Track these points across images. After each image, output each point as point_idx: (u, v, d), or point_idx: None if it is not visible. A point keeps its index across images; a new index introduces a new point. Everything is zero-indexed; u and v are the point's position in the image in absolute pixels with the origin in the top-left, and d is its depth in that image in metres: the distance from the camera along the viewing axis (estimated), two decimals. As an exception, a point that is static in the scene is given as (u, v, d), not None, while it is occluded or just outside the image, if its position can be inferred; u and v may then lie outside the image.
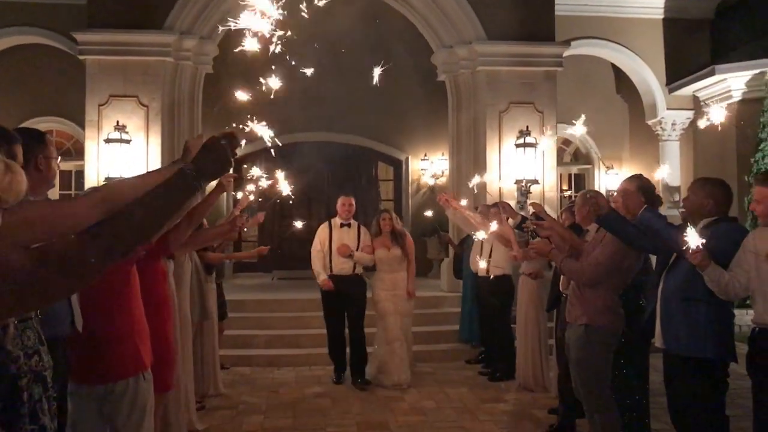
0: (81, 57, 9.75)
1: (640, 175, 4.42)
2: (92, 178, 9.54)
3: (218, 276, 6.78)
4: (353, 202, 7.33)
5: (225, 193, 6.80)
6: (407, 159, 13.97)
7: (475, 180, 7.09)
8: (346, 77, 12.63)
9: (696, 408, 3.60)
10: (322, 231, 7.32)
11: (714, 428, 3.58)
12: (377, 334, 7.21)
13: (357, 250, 7.13)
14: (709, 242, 3.40)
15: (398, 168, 14.14)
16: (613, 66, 13.77)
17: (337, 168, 13.37)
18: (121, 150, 9.43)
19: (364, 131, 13.55)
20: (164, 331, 3.90)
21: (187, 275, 5.39)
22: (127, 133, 9.46)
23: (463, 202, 7.07)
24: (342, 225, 7.26)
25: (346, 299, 7.14)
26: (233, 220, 4.73)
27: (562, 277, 4.66)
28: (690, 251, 3.23)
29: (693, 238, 3.04)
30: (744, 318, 9.72)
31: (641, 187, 4.10)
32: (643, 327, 3.98)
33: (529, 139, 9.84)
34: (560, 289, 5.19)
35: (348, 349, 7.30)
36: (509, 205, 6.30)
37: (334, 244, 7.14)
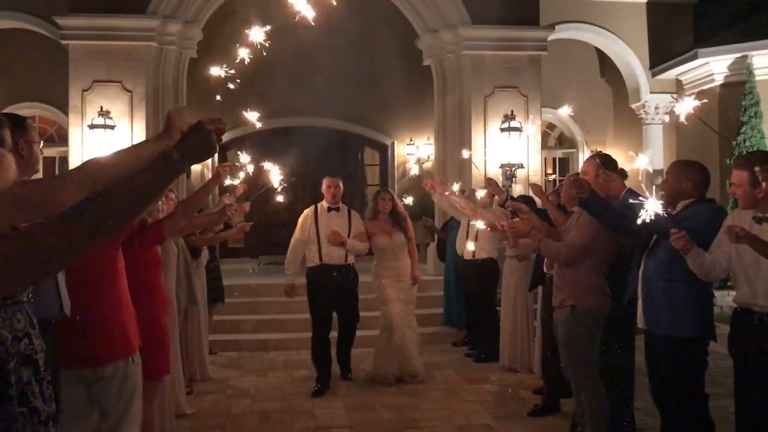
0: (63, 42, 9.67)
1: (597, 154, 4.51)
2: (76, 165, 9.48)
3: (194, 257, 6.66)
4: (340, 184, 6.54)
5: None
6: (393, 144, 13.99)
7: (465, 153, 7.39)
8: (332, 62, 12.63)
9: (677, 386, 3.68)
10: (307, 217, 6.49)
11: (694, 405, 3.67)
12: (380, 322, 6.64)
13: (348, 237, 6.37)
14: (689, 223, 3.48)
15: (384, 153, 14.17)
16: (597, 50, 13.83)
17: (323, 153, 13.37)
18: (105, 136, 9.39)
19: (349, 116, 13.55)
20: (157, 318, 3.92)
21: (172, 260, 5.40)
22: (111, 118, 9.42)
23: (455, 187, 7.11)
24: (330, 209, 6.48)
25: (336, 292, 6.34)
26: (223, 209, 4.75)
27: (546, 258, 4.73)
28: (673, 236, 3.29)
29: (653, 207, 3.05)
30: (725, 299, 9.90)
31: (600, 166, 4.17)
32: (624, 308, 4.05)
33: (513, 124, 9.90)
34: (544, 270, 5.27)
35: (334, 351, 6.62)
36: (496, 182, 6.48)
37: (322, 230, 6.36)
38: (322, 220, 6.41)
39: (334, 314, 6.55)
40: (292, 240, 6.51)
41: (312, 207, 6.57)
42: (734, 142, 11.12)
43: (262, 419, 5.53)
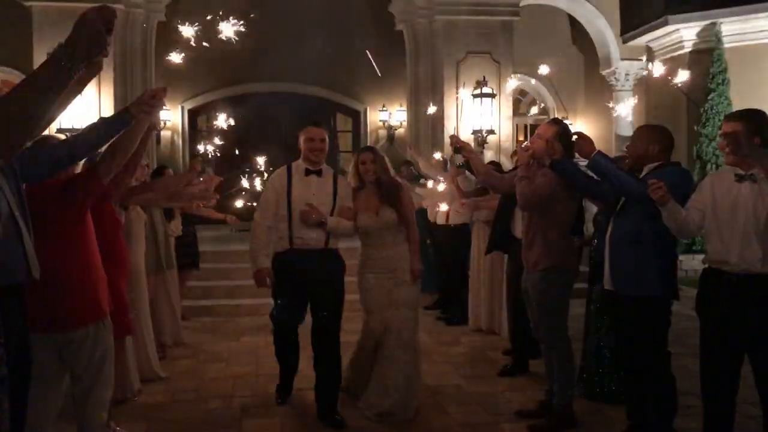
0: (26, 3, 9.41)
1: (560, 120, 4.56)
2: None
3: (168, 217, 6.60)
4: (326, 137, 4.66)
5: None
6: (366, 110, 13.94)
7: (431, 109, 7.23)
8: (302, 28, 12.48)
9: (641, 344, 3.79)
10: (276, 182, 4.65)
11: (657, 362, 3.79)
12: (362, 335, 4.89)
13: (332, 213, 4.57)
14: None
15: (357, 119, 14.12)
16: (569, 17, 13.85)
17: (295, 119, 13.23)
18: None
19: (321, 82, 13.43)
20: (115, 277, 3.86)
21: (137, 227, 5.36)
22: (77, 83, 9.22)
23: (437, 155, 7.15)
24: (308, 172, 4.61)
25: (312, 287, 4.55)
26: (192, 168, 4.70)
27: (519, 224, 4.75)
28: (651, 185, 3.33)
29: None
30: (691, 263, 10.14)
31: (562, 133, 4.22)
32: (591, 272, 4.14)
33: (486, 89, 9.91)
34: (514, 234, 5.35)
35: (314, 372, 4.73)
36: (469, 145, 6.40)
37: (295, 201, 4.52)
38: (297, 187, 4.58)
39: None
40: (255, 220, 4.64)
41: (284, 168, 4.70)
42: (702, 109, 11.27)
43: (235, 382, 5.57)
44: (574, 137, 3.85)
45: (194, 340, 6.99)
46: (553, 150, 3.96)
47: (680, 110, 11.91)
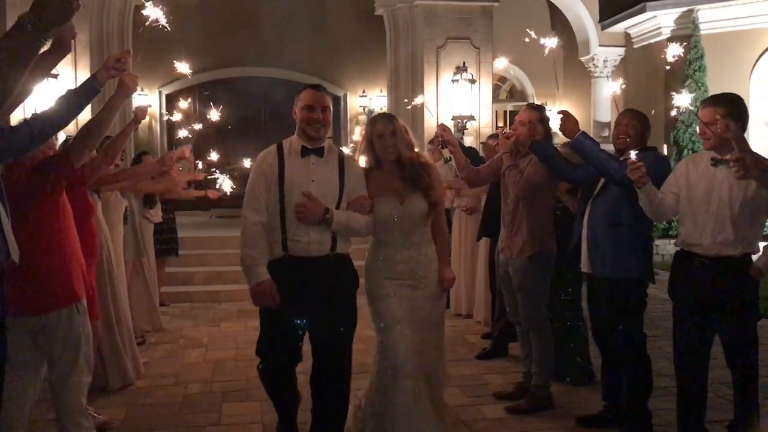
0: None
1: (539, 105, 4.57)
2: (18, 114, 9.16)
3: (148, 205, 6.58)
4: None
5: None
6: (345, 95, 13.92)
7: (419, 99, 7.15)
8: (282, 12, 12.39)
9: (618, 326, 3.85)
10: (264, 166, 3.44)
11: (634, 344, 3.85)
12: (374, 364, 3.69)
13: (338, 205, 3.43)
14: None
15: (337, 104, 14.06)
16: (548, 3, 13.89)
17: (274, 104, 13.20)
18: (48, 85, 9.05)
19: (301, 67, 13.37)
20: (87, 265, 3.82)
21: (116, 214, 5.33)
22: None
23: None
24: (306, 152, 3.45)
25: (313, 311, 3.41)
26: (162, 158, 4.67)
27: (505, 210, 4.70)
28: (631, 166, 3.36)
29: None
30: (666, 247, 10.28)
31: (542, 118, 4.25)
32: (569, 254, 4.18)
33: (465, 75, 9.92)
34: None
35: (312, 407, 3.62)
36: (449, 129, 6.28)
37: (289, 192, 3.37)
38: (292, 171, 3.41)
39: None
40: (244, 216, 3.40)
41: (273, 147, 3.53)
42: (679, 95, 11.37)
43: (215, 367, 5.58)
44: (560, 116, 3.84)
45: (174, 326, 6.97)
46: (535, 131, 3.99)
47: (658, 96, 12.02)
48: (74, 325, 3.19)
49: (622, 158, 3.79)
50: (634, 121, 3.93)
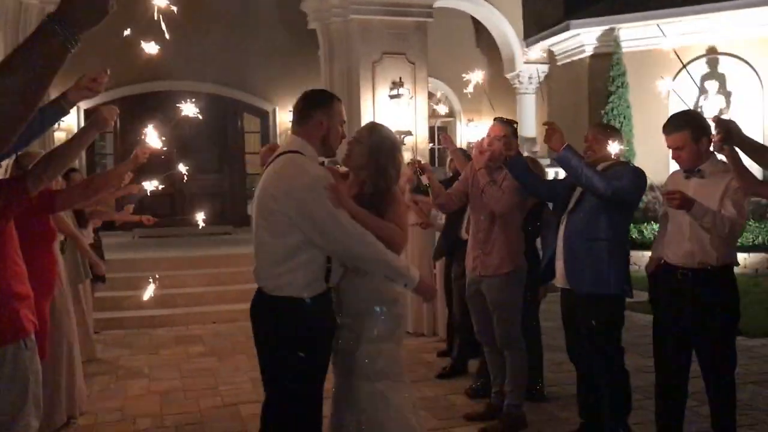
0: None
1: (506, 118, 4.49)
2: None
3: (81, 225, 6.13)
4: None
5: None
6: (275, 110, 13.64)
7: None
8: (208, 24, 12.04)
9: (595, 340, 3.82)
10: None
11: (611, 358, 3.82)
12: None
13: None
14: (619, 182, 3.59)
15: (265, 119, 13.78)
16: (473, 20, 14.11)
17: (200, 120, 12.75)
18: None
19: (227, 80, 13.04)
20: (37, 296, 3.50)
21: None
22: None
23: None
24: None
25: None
26: (136, 154, 4.27)
27: (477, 228, 4.54)
28: (667, 196, 3.32)
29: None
30: (641, 259, 10.38)
31: (514, 132, 4.22)
32: (543, 269, 4.14)
33: (402, 90, 9.90)
34: (462, 235, 5.28)
35: None
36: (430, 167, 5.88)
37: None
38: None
39: None
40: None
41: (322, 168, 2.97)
42: (602, 111, 11.75)
43: (163, 399, 5.21)
44: (545, 128, 3.78)
45: (109, 356, 6.53)
46: (510, 146, 3.91)
47: (582, 112, 12.38)
48: (20, 364, 2.86)
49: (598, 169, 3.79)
50: (599, 135, 3.95)
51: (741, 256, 9.63)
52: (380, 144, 3.02)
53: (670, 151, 3.56)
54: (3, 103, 1.32)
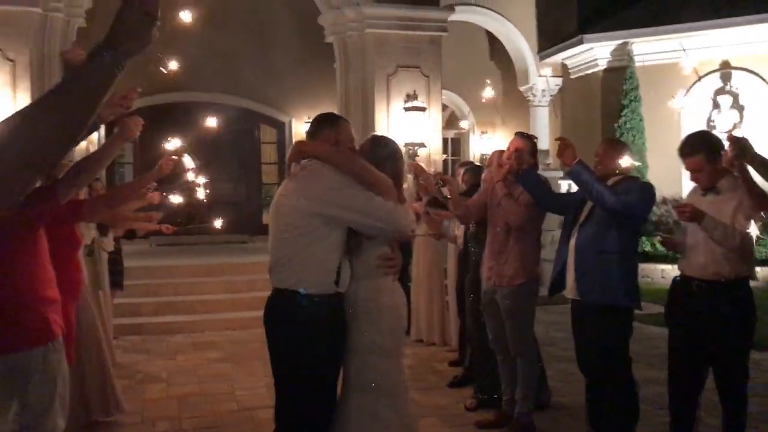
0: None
1: (527, 133, 4.61)
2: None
3: (103, 233, 6.29)
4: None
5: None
6: (290, 121, 13.83)
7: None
8: (228, 37, 12.26)
9: (604, 351, 3.91)
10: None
11: (620, 368, 3.91)
12: None
13: None
14: (628, 197, 3.70)
15: (281, 130, 13.97)
16: (487, 33, 14.24)
17: (216, 130, 12.94)
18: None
19: (245, 92, 13.25)
20: (67, 302, 3.65)
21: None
22: (-9, 89, 8.67)
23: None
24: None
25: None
26: (161, 165, 4.41)
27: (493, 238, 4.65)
28: (678, 209, 3.47)
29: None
30: (654, 272, 10.41)
31: (533, 147, 4.34)
32: (554, 279, 4.23)
33: (416, 103, 10.03)
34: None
35: None
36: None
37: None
38: None
39: None
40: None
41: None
42: (615, 124, 11.83)
43: (180, 403, 5.35)
44: (558, 143, 3.89)
45: (127, 360, 6.68)
46: (521, 160, 4.03)
47: (595, 125, 12.46)
48: (49, 366, 3.00)
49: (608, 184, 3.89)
50: (609, 150, 4.06)
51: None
52: (380, 153, 3.08)
53: (683, 165, 3.69)
54: (61, 127, 1.43)
